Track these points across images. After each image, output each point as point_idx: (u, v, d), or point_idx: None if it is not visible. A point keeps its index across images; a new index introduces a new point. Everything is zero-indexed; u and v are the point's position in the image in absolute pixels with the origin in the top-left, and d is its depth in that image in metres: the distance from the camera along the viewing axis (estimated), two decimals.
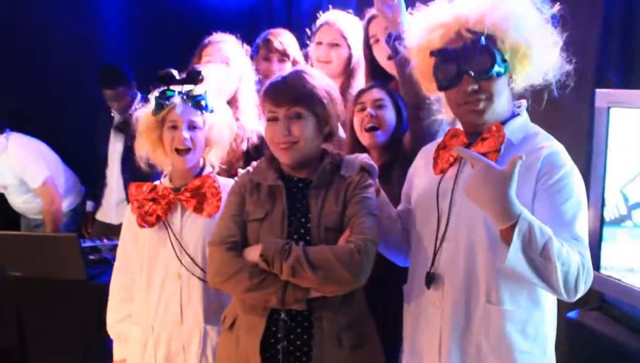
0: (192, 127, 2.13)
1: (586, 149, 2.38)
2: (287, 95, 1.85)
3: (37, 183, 4.02)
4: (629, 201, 2.12)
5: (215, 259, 1.86)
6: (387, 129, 2.35)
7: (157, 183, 2.21)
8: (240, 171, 2.05)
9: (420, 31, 1.81)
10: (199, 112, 2.15)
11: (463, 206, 1.74)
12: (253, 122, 2.65)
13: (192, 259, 2.11)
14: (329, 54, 2.88)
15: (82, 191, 4.41)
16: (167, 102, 2.11)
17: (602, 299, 2.36)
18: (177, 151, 2.12)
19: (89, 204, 4.37)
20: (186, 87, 2.16)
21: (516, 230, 1.50)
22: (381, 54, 2.63)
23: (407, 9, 2.20)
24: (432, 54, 1.75)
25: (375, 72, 2.69)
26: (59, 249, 3.08)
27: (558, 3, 1.76)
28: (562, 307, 1.83)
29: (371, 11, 2.70)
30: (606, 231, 2.21)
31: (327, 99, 1.89)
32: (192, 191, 2.14)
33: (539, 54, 1.70)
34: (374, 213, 1.83)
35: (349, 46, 2.91)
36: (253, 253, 1.80)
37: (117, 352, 2.30)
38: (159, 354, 2.13)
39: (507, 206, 1.51)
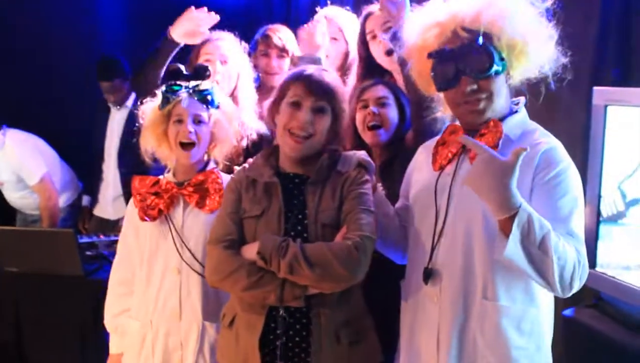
0: (197, 121, 2.13)
1: (583, 146, 2.38)
2: (320, 87, 1.87)
3: (35, 180, 4.02)
4: (627, 198, 2.13)
5: (213, 257, 1.86)
6: (389, 127, 2.35)
7: (160, 177, 2.21)
8: (237, 168, 2.05)
9: (416, 31, 1.81)
10: (204, 107, 2.15)
11: (461, 202, 1.75)
12: (252, 120, 2.65)
13: (192, 254, 2.11)
14: (327, 49, 2.88)
15: (79, 186, 4.41)
16: (173, 96, 2.13)
17: (598, 297, 2.37)
18: (182, 145, 2.12)
19: (86, 199, 4.36)
20: (193, 82, 2.17)
21: (516, 220, 1.51)
22: (378, 49, 2.64)
23: (410, 6, 2.20)
24: (429, 55, 1.75)
25: (371, 69, 2.70)
26: (56, 245, 3.08)
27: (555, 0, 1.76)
28: (558, 305, 1.84)
29: (368, 8, 2.72)
30: (602, 228, 2.22)
31: (344, 100, 1.94)
32: (195, 186, 2.14)
33: (535, 49, 1.71)
34: (371, 209, 1.84)
35: (346, 42, 2.92)
36: (250, 251, 1.80)
37: (114, 346, 2.30)
38: (157, 349, 2.13)
39: (508, 197, 1.52)
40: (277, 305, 1.80)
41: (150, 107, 2.20)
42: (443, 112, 1.97)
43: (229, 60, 2.69)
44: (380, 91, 2.38)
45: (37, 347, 3.23)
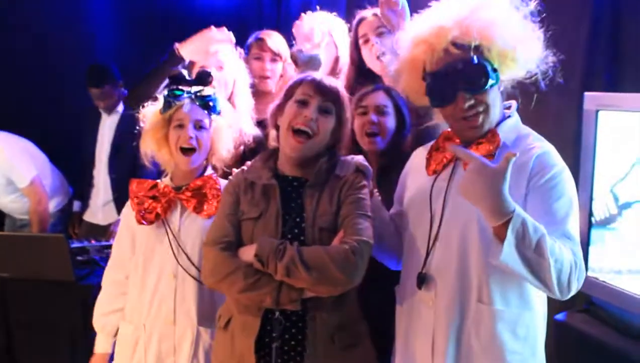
0: (198, 127, 2.13)
1: (574, 151, 2.39)
2: (328, 89, 1.90)
3: (25, 183, 3.99)
4: (620, 201, 2.14)
5: (210, 259, 1.86)
6: (386, 136, 2.35)
7: (158, 181, 2.21)
8: (235, 171, 2.05)
9: (404, 46, 1.82)
10: (206, 113, 2.16)
11: (456, 207, 1.76)
12: (249, 126, 2.65)
13: (189, 259, 2.11)
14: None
15: (69, 191, 4.38)
16: (175, 101, 2.13)
17: (590, 301, 2.39)
18: (182, 150, 2.12)
19: (76, 205, 4.33)
20: (195, 88, 2.18)
21: (510, 226, 1.51)
22: (370, 54, 2.65)
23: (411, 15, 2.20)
24: (424, 78, 1.76)
25: (362, 73, 2.71)
26: (47, 250, 3.05)
27: (548, 7, 1.77)
28: (550, 309, 1.84)
29: (362, 12, 2.73)
30: (594, 233, 2.24)
31: (348, 109, 1.96)
32: (193, 190, 2.14)
33: (525, 54, 1.72)
34: (368, 214, 1.84)
35: (336, 46, 2.92)
36: (247, 253, 1.80)
37: (99, 345, 2.28)
38: (150, 354, 2.12)
39: (501, 203, 1.52)
40: (274, 308, 1.80)
41: (151, 111, 2.20)
42: (438, 120, 1.97)
43: (225, 66, 2.69)
44: (381, 99, 2.38)
45: (27, 353, 3.20)
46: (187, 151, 2.12)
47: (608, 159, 2.19)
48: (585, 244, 2.21)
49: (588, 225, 2.23)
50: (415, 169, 1.98)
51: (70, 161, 4.29)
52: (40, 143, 4.22)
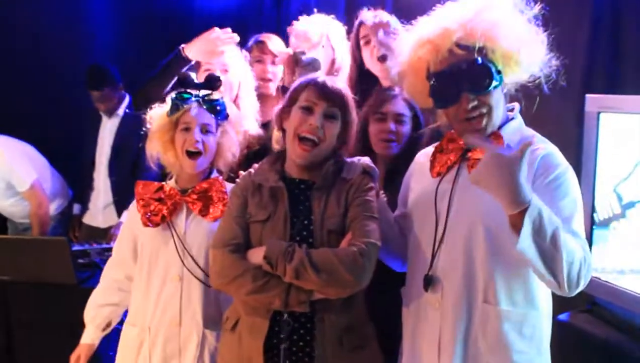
0: (205, 130, 2.14)
1: (576, 153, 2.40)
2: (332, 93, 1.90)
3: (25, 186, 3.98)
4: (623, 200, 2.15)
5: (218, 261, 1.86)
6: (401, 142, 2.37)
7: (164, 183, 2.21)
8: (242, 173, 2.05)
9: (408, 48, 1.82)
10: (213, 117, 2.16)
11: (461, 209, 1.77)
12: (254, 129, 2.65)
13: (195, 261, 2.11)
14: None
15: (69, 194, 4.37)
16: (183, 104, 2.13)
17: (592, 301, 2.39)
18: (189, 154, 2.12)
19: (76, 208, 4.33)
20: (203, 92, 2.18)
21: (527, 215, 1.50)
22: (370, 55, 2.65)
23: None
24: (428, 78, 1.76)
25: (363, 76, 2.71)
26: (49, 253, 3.04)
27: (548, 9, 1.78)
28: (553, 310, 1.84)
29: (363, 14, 2.73)
30: (596, 233, 2.24)
31: (353, 109, 1.96)
32: (200, 193, 2.14)
33: (529, 57, 1.72)
34: (376, 216, 1.85)
35: (333, 49, 2.92)
36: (256, 255, 1.81)
37: (86, 336, 2.29)
38: (154, 356, 2.12)
39: (518, 191, 1.50)
40: (282, 310, 1.80)
41: (158, 113, 2.20)
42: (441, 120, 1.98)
43: (230, 69, 2.70)
44: (400, 107, 2.39)
45: (28, 356, 3.19)
46: (193, 154, 2.12)
47: (610, 160, 2.20)
48: (588, 244, 2.21)
49: (590, 225, 2.24)
50: (419, 172, 1.98)
51: (70, 164, 4.29)
52: (39, 145, 4.22)
